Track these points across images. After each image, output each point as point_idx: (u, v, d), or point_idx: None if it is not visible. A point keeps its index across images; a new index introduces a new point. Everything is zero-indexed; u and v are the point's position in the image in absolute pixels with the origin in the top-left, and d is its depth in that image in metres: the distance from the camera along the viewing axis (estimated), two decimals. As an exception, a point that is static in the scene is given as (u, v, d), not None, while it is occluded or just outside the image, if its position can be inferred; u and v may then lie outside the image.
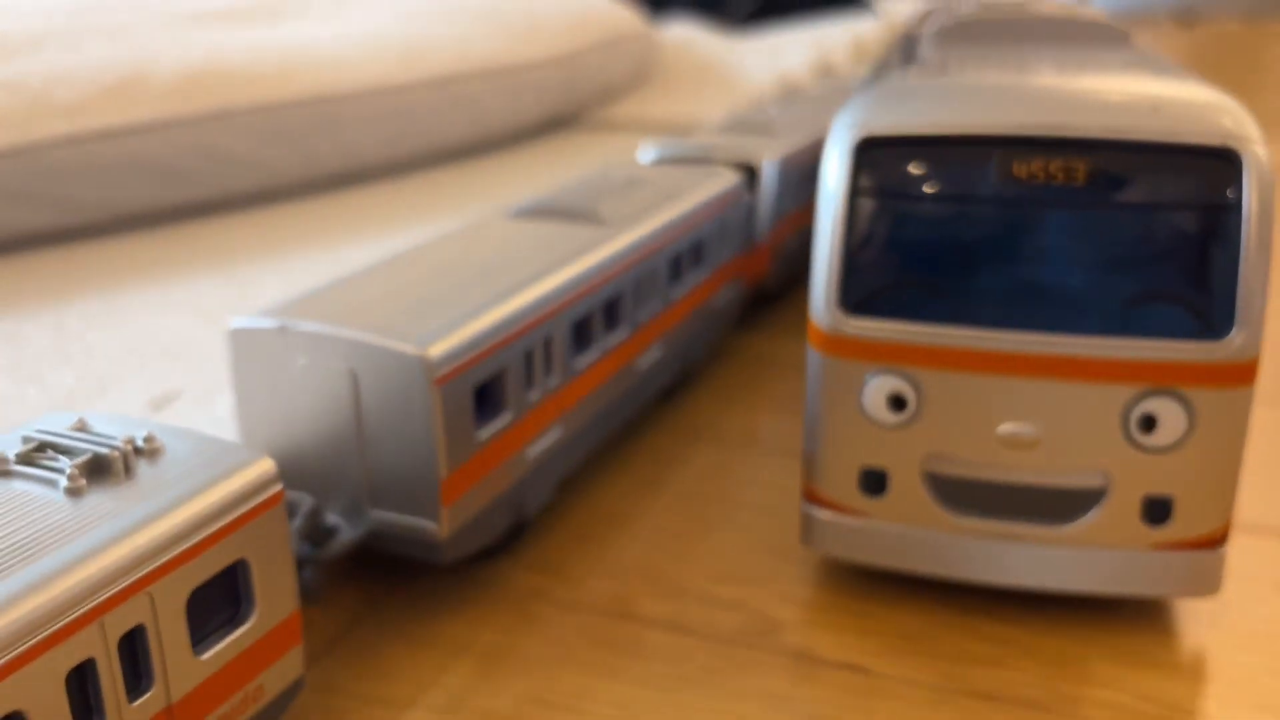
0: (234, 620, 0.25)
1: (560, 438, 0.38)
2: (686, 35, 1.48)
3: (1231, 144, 0.30)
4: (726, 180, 0.51)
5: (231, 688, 0.24)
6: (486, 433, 0.34)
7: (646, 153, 0.59)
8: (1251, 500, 0.40)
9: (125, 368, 0.47)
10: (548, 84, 1.01)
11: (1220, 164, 0.31)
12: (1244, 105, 0.32)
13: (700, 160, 0.57)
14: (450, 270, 0.37)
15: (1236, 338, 0.30)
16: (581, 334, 0.39)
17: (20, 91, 0.70)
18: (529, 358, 0.36)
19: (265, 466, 0.25)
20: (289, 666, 0.26)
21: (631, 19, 1.23)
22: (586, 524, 0.40)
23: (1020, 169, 0.32)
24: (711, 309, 0.50)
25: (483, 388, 0.34)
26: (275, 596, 0.25)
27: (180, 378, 0.46)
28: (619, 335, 0.41)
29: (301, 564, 0.31)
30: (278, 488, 0.25)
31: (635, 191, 0.47)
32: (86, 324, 0.55)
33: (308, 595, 0.31)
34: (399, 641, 0.33)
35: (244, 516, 0.24)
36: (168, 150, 0.73)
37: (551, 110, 1.04)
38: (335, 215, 0.77)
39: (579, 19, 1.11)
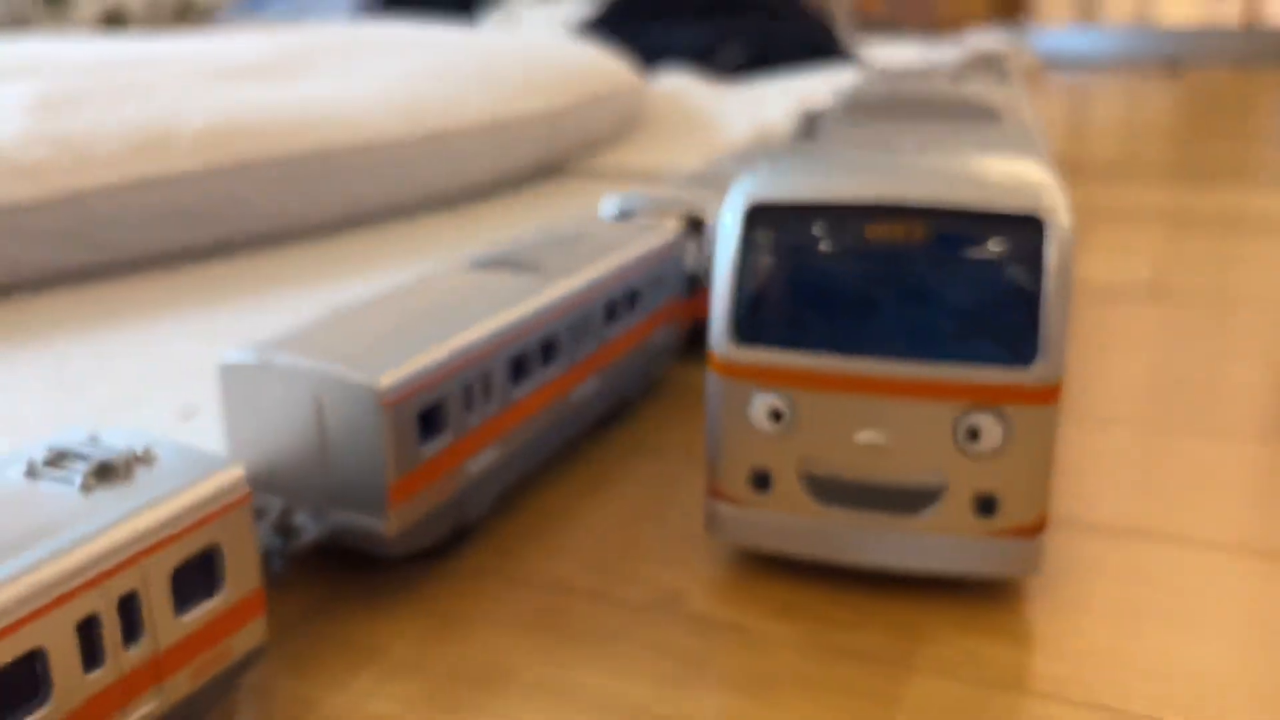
0: (209, 592, 0.31)
1: (498, 456, 0.45)
2: (676, 85, 1.56)
3: (1038, 213, 0.37)
4: (663, 235, 0.58)
5: (205, 645, 0.31)
6: (429, 450, 0.40)
7: (609, 204, 0.66)
8: (1086, 499, 0.47)
9: (153, 386, 0.56)
10: (535, 137, 1.09)
11: (1029, 228, 0.37)
12: (1060, 182, 0.38)
13: (653, 213, 0.64)
14: (407, 313, 0.44)
15: (1040, 365, 0.37)
16: (519, 368, 0.46)
17: (65, 146, 0.80)
18: (468, 388, 0.42)
19: (236, 474, 0.32)
20: (253, 633, 0.33)
21: (622, 73, 1.31)
22: (530, 523, 0.46)
23: (872, 231, 0.38)
24: (649, 347, 0.57)
25: (427, 412, 0.41)
26: (242, 575, 0.32)
27: (199, 395, 0.54)
28: (555, 370, 0.48)
29: (272, 555, 0.38)
30: (245, 490, 0.32)
31: (577, 245, 0.54)
32: (120, 349, 0.64)
33: (276, 580, 0.38)
34: (362, 612, 0.40)
35: (217, 512, 0.31)
36: (193, 198, 0.83)
37: (538, 160, 1.13)
38: (336, 256, 0.87)
39: (570, 76, 1.19)
